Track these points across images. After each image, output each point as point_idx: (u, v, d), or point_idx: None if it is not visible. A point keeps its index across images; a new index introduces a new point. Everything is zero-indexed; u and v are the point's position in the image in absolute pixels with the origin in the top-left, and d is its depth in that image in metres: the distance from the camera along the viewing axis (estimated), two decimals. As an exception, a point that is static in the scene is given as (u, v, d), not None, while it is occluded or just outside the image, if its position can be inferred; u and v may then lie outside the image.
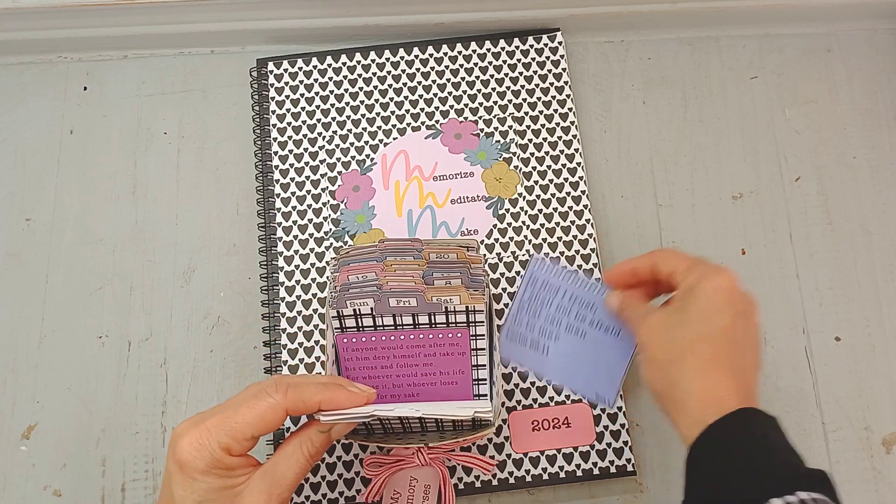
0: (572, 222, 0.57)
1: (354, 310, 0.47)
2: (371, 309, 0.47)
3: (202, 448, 0.38)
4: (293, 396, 0.40)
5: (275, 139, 0.59)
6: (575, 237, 0.56)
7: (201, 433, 0.39)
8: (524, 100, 0.60)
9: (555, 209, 0.57)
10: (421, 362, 0.49)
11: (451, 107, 0.60)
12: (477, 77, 0.60)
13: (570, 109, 0.60)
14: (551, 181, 0.58)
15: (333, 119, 0.60)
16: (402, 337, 0.48)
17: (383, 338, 0.48)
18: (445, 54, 0.61)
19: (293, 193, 0.58)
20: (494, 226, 0.57)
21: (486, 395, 0.49)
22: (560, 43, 0.61)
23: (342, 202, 0.58)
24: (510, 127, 0.59)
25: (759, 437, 0.39)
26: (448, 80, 0.60)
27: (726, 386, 0.41)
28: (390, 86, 0.60)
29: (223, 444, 0.39)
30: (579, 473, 0.52)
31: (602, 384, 0.51)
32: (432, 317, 0.47)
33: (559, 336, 0.51)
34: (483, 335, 0.49)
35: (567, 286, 0.52)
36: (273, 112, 0.60)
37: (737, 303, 0.43)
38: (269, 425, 0.39)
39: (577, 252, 0.56)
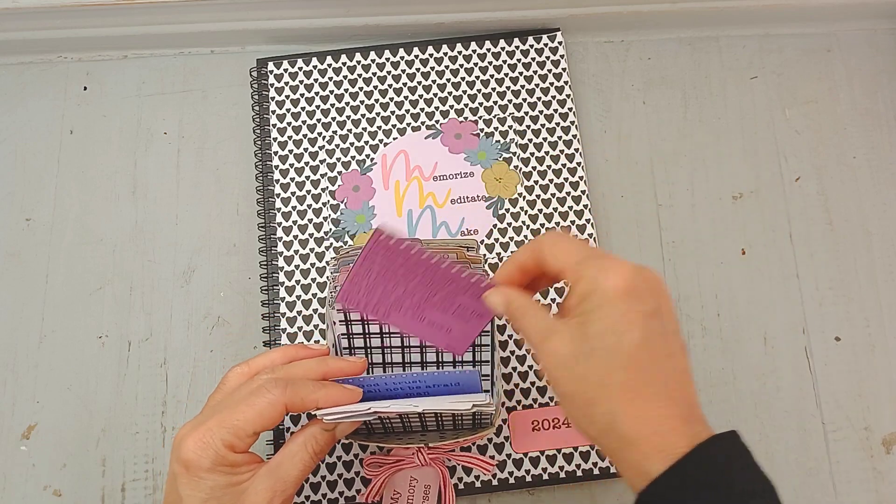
0: (572, 222, 0.57)
1: None
2: None
3: (206, 447, 0.39)
4: (291, 393, 0.40)
5: (275, 139, 0.59)
6: (575, 237, 0.56)
7: (204, 433, 0.39)
8: (524, 100, 0.60)
9: (555, 209, 0.57)
10: (441, 296, 0.45)
11: (451, 107, 0.60)
12: (477, 77, 0.60)
13: (570, 109, 0.60)
14: (551, 181, 0.58)
15: (333, 119, 0.60)
16: (433, 260, 0.45)
17: (412, 251, 0.44)
18: (445, 54, 0.61)
19: (293, 193, 0.58)
20: (494, 226, 0.57)
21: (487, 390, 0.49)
22: (560, 43, 0.61)
23: (342, 202, 0.58)
24: (510, 127, 0.59)
25: (717, 481, 0.33)
26: (448, 80, 0.60)
27: (668, 421, 0.34)
28: (390, 86, 0.60)
29: (226, 441, 0.39)
30: (579, 473, 0.52)
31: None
32: None
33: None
34: (487, 332, 0.48)
35: None
36: (273, 112, 0.60)
37: (643, 302, 0.36)
38: (268, 421, 0.40)
39: (577, 252, 0.56)
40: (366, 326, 0.48)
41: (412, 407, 0.41)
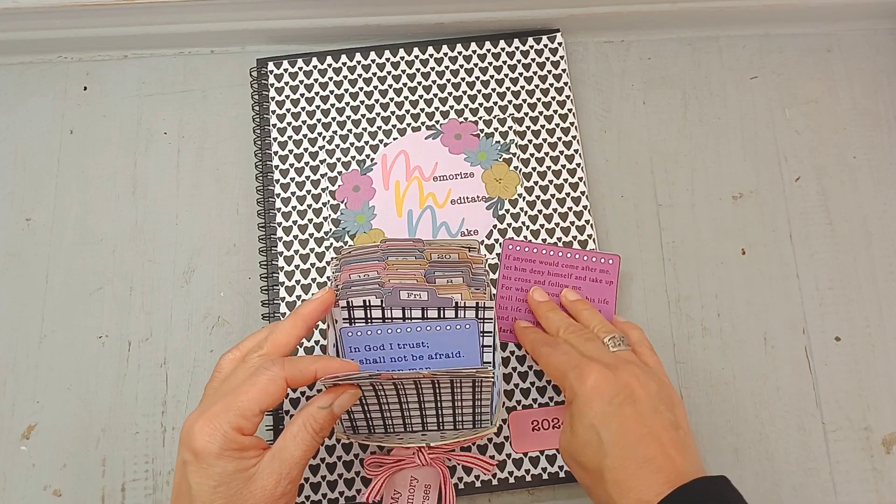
0: (572, 222, 0.57)
1: (364, 301, 0.47)
2: (381, 301, 0.47)
3: (215, 431, 0.39)
4: (290, 367, 0.41)
5: (275, 139, 0.59)
6: (575, 237, 0.56)
7: (210, 418, 0.40)
8: (524, 100, 0.60)
9: (555, 209, 0.57)
10: (570, 284, 0.54)
11: (451, 107, 0.60)
12: (477, 77, 0.60)
13: (570, 110, 0.60)
14: (551, 181, 0.58)
15: (333, 119, 0.60)
16: (559, 254, 0.54)
17: (543, 251, 0.54)
18: (445, 54, 0.61)
19: (293, 193, 0.58)
20: (494, 226, 0.57)
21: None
22: (560, 43, 0.61)
23: (342, 202, 0.58)
24: (510, 127, 0.59)
25: None
26: (448, 80, 0.60)
27: (653, 489, 0.40)
28: (390, 86, 0.60)
29: (234, 424, 0.40)
30: (579, 473, 0.52)
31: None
32: (442, 312, 0.47)
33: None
34: (490, 332, 0.48)
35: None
36: (273, 112, 0.60)
37: (614, 396, 0.43)
38: (272, 398, 0.41)
39: (578, 252, 0.56)
40: (368, 311, 0.48)
41: (415, 372, 0.43)
